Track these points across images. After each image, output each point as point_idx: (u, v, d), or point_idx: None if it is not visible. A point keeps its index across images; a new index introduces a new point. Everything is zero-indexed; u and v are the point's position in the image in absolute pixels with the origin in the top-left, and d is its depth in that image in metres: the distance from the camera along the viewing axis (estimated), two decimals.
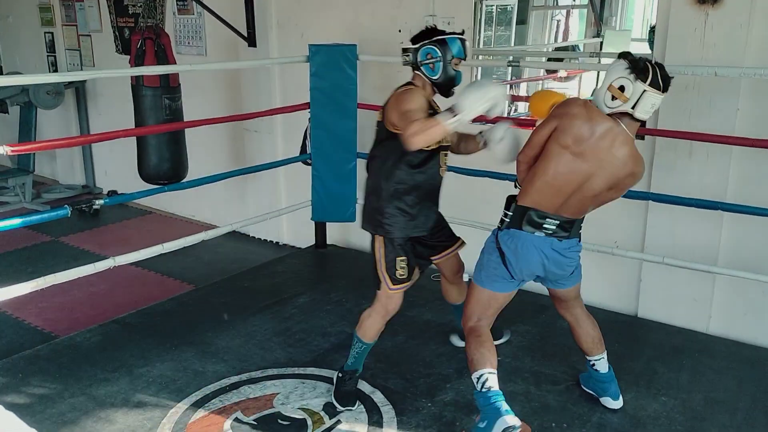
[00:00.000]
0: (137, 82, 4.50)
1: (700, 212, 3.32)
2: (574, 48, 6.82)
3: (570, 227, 2.47)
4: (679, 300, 3.59)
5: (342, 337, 3.47)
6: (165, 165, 4.75)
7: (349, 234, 4.86)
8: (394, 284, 2.77)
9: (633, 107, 2.30)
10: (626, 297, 3.78)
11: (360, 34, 4.35)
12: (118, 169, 6.36)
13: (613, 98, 2.32)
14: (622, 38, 6.46)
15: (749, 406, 2.87)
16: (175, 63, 4.58)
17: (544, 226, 2.44)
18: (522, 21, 5.99)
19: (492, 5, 5.23)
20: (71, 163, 7.08)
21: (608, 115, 2.36)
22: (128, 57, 4.76)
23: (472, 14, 4.11)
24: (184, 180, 4.72)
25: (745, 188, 3.29)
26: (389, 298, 2.80)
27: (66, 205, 3.24)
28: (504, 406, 2.41)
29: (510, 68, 4.87)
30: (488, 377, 2.47)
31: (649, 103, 2.30)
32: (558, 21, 6.87)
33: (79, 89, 6.60)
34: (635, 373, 3.13)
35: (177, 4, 5.57)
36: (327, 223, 4.71)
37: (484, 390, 2.46)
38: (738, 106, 3.25)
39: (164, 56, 4.48)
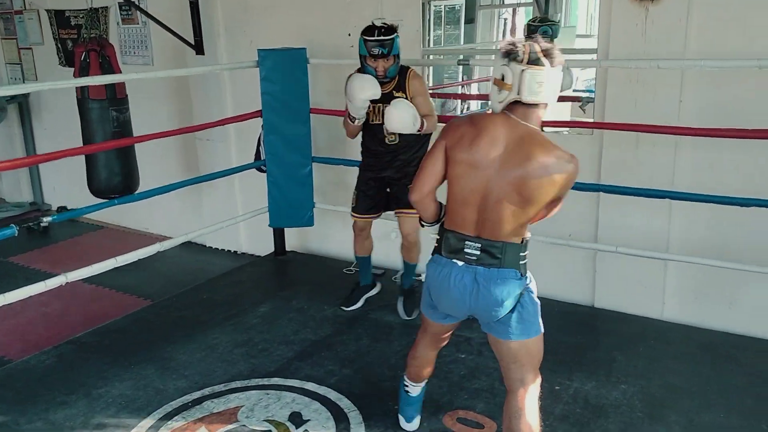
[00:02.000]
0: (83, 95, 4.39)
1: (650, 201, 3.41)
2: None
3: (498, 252, 2.09)
4: (633, 288, 3.68)
5: (305, 344, 3.45)
6: (115, 178, 4.64)
7: (308, 240, 4.84)
8: None
9: (519, 92, 2.03)
10: (582, 288, 3.85)
11: (310, 38, 4.33)
12: (66, 185, 6.20)
13: (500, 91, 2.07)
14: (568, 34, 6.57)
15: (705, 389, 2.95)
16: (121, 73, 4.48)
17: (465, 251, 2.11)
18: (470, 20, 6.05)
19: (440, 5, 5.27)
20: (17, 181, 6.86)
21: (503, 112, 2.10)
22: (72, 69, 4.63)
23: (421, 15, 4.12)
24: (136, 192, 4.62)
25: (691, 176, 3.39)
26: None
27: (12, 225, 3.13)
28: (407, 412, 2.68)
29: (461, 67, 4.91)
30: (409, 386, 2.64)
31: (533, 81, 2.00)
32: (505, 19, 6.96)
33: (23, 104, 6.41)
34: (595, 363, 3.19)
35: (121, 14, 5.46)
36: (285, 230, 4.68)
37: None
38: (680, 97, 3.35)
39: (110, 67, 4.37)
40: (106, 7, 5.44)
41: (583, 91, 6.19)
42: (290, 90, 4.08)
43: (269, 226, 4.45)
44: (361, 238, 3.72)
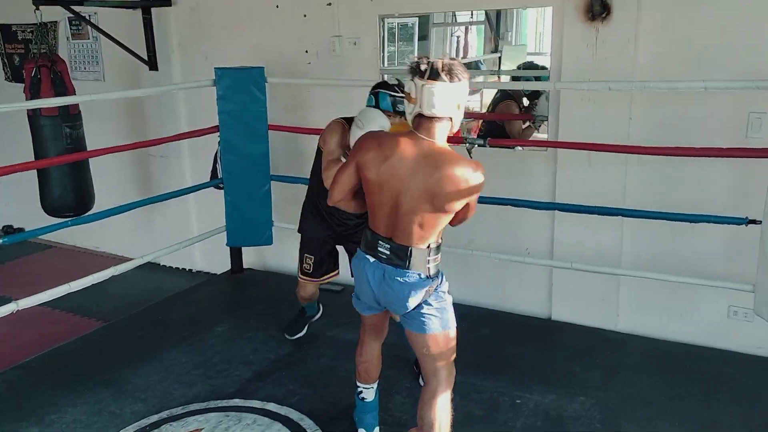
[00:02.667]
0: (34, 112, 4.27)
1: (603, 218, 3.50)
2: (477, 64, 7.04)
3: (405, 256, 2.24)
4: (588, 301, 3.77)
5: (265, 364, 3.42)
6: (69, 196, 4.51)
7: (266, 257, 4.80)
8: None
9: (420, 106, 2.13)
10: (540, 301, 3.93)
11: (267, 56, 4.32)
12: (15, 203, 5.99)
13: (408, 104, 2.19)
14: (519, 53, 6.72)
15: (661, 399, 3.03)
16: (74, 90, 4.38)
17: (378, 249, 2.29)
18: (423, 37, 6.13)
19: (393, 23, 5.34)
20: None
21: (410, 131, 2.23)
22: (20, 85, 4.50)
23: (377, 33, 4.17)
24: (91, 210, 4.50)
25: (641, 193, 3.49)
26: None
27: None
28: (366, 421, 2.72)
29: None
30: (362, 390, 2.71)
31: (429, 95, 2.10)
32: (458, 37, 7.08)
33: None
34: (553, 375, 3.25)
35: (71, 29, 5.35)
36: (243, 248, 4.63)
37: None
38: (630, 115, 3.46)
39: (62, 84, 4.27)
40: (55, 22, 5.32)
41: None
42: (248, 108, 4.06)
43: (227, 245, 4.39)
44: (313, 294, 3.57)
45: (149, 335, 3.77)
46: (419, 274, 2.27)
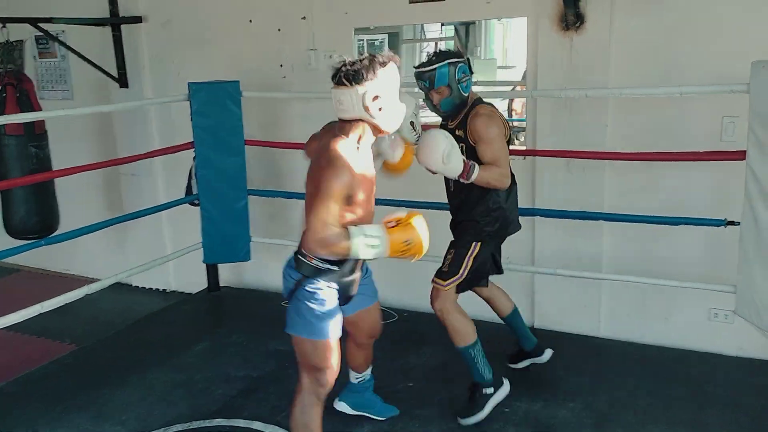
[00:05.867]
0: None
1: (583, 223, 3.53)
2: None
3: (297, 246, 2.31)
4: (571, 308, 3.78)
5: (248, 381, 3.34)
6: (34, 218, 4.38)
7: (244, 274, 4.73)
8: None
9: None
10: (522, 310, 3.89)
11: (241, 71, 4.28)
12: None
13: None
14: (489, 66, 6.82)
15: (648, 403, 3.04)
16: (41, 109, 4.27)
17: None
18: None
19: (362, 39, 5.36)
20: None
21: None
22: None
23: (353, 46, 4.17)
24: (56, 232, 4.38)
25: (620, 197, 3.53)
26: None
27: None
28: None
29: None
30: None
31: (335, 99, 2.17)
32: (428, 53, 7.17)
33: None
34: (541, 383, 3.23)
35: (38, 48, 5.24)
36: (219, 265, 4.56)
37: None
38: (607, 122, 3.50)
39: (28, 102, 4.16)
40: (21, 40, 5.19)
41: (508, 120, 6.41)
42: (223, 123, 4.01)
43: (204, 262, 4.31)
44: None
45: (126, 356, 3.66)
46: (294, 270, 2.29)
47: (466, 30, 6.88)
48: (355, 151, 2.18)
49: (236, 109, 4.02)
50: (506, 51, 8.03)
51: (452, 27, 6.72)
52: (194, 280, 4.71)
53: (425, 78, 2.70)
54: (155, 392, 3.24)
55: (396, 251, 2.16)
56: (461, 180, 2.68)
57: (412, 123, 2.67)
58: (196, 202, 4.15)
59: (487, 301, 3.23)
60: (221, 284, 4.65)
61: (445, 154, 2.60)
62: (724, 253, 3.17)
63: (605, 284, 3.68)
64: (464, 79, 2.70)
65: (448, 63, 2.67)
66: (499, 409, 2.97)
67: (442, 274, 2.86)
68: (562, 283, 3.71)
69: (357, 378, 2.90)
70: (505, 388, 2.94)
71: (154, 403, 3.15)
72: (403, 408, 3.05)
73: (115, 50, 4.73)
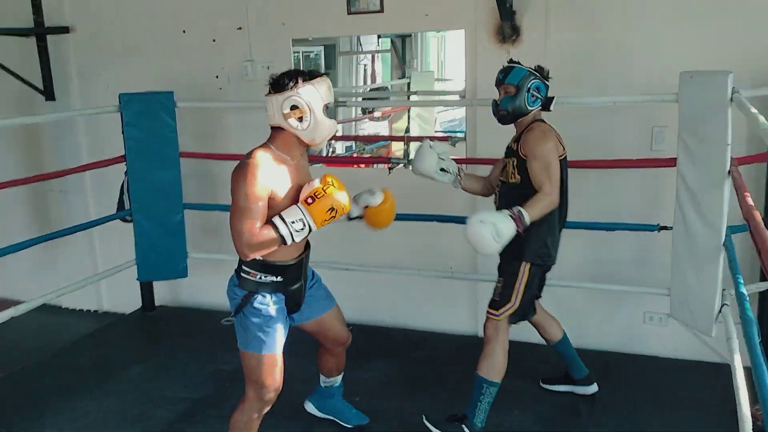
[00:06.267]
0: None
1: None
2: (386, 90, 7.16)
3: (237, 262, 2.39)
4: None
5: (189, 404, 3.23)
6: None
7: (180, 292, 4.58)
8: None
9: None
10: (466, 319, 3.94)
11: (174, 83, 4.16)
12: None
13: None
14: (426, 78, 6.89)
15: (593, 407, 3.10)
16: None
17: None
18: (330, 66, 6.17)
19: (297, 51, 5.32)
20: None
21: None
22: None
23: (291, 57, 4.12)
24: None
25: None
26: None
27: None
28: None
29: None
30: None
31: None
32: (365, 65, 7.18)
33: None
34: None
35: None
36: (154, 283, 4.40)
37: None
38: None
39: None
40: None
41: (445, 132, 6.49)
42: (157, 135, 3.88)
43: (138, 280, 4.15)
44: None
45: (56, 383, 3.47)
46: (236, 279, 2.36)
47: (402, 42, 6.94)
48: (271, 158, 2.23)
49: (170, 121, 3.90)
50: (442, 64, 8.15)
51: (389, 39, 6.77)
52: (128, 300, 4.54)
53: (503, 69, 2.81)
54: (89, 420, 3.09)
55: (323, 221, 2.22)
56: (520, 233, 2.58)
57: (442, 169, 2.95)
58: (129, 217, 4.00)
59: (536, 326, 3.13)
60: (157, 303, 4.50)
61: (495, 236, 2.53)
62: (658, 257, 3.27)
63: (545, 290, 3.73)
64: (534, 93, 2.74)
65: (529, 70, 2.76)
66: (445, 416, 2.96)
67: (494, 304, 2.83)
68: None
69: (325, 383, 2.90)
70: None
71: (89, 431, 2.99)
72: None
73: (40, 61, 4.53)
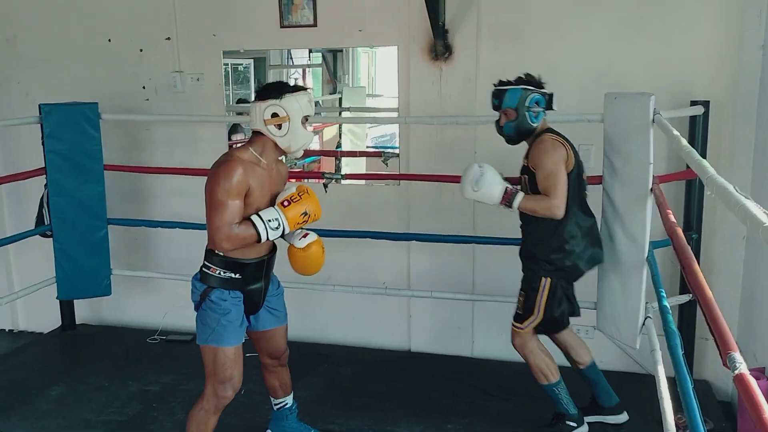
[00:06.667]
0: None
1: (456, 246, 3.63)
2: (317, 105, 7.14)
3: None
4: (445, 330, 3.85)
5: (112, 426, 3.09)
6: None
7: (102, 310, 4.40)
8: None
9: None
10: (399, 334, 3.95)
11: (99, 93, 4.02)
12: None
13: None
14: (358, 94, 6.91)
15: (525, 418, 3.14)
16: None
17: None
18: (260, 80, 6.11)
19: (227, 63, 5.25)
20: None
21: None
22: None
23: (221, 69, 4.05)
24: None
25: (490, 222, 3.66)
26: None
27: None
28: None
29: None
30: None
31: None
32: (296, 79, 7.15)
33: None
34: (419, 406, 3.26)
35: None
36: (75, 301, 4.21)
37: None
38: (475, 149, 3.64)
39: None
40: None
41: (376, 147, 6.52)
42: (80, 147, 3.73)
43: (58, 299, 3.95)
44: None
45: None
46: (198, 274, 2.46)
47: (333, 57, 6.95)
48: (249, 160, 2.36)
49: (94, 133, 3.76)
50: (372, 80, 8.21)
51: (320, 54, 6.76)
52: (46, 318, 4.33)
53: (495, 96, 2.75)
54: None
55: (295, 223, 2.39)
56: (504, 206, 2.68)
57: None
58: (49, 233, 3.81)
59: (563, 348, 3.02)
60: (77, 321, 4.32)
61: (473, 181, 2.66)
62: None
63: (477, 305, 3.80)
64: (534, 109, 2.68)
65: (522, 88, 2.69)
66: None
67: (518, 317, 2.84)
68: (436, 307, 3.79)
69: (275, 404, 2.87)
70: (584, 428, 2.92)
71: None
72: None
73: None
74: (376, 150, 4.79)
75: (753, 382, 1.11)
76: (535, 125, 2.72)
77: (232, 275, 2.42)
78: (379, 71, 8.21)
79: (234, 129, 4.79)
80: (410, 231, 3.74)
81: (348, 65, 7.39)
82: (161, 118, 4.08)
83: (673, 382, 2.27)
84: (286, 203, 2.39)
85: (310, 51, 6.60)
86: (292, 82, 2.48)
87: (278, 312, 2.66)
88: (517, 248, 3.50)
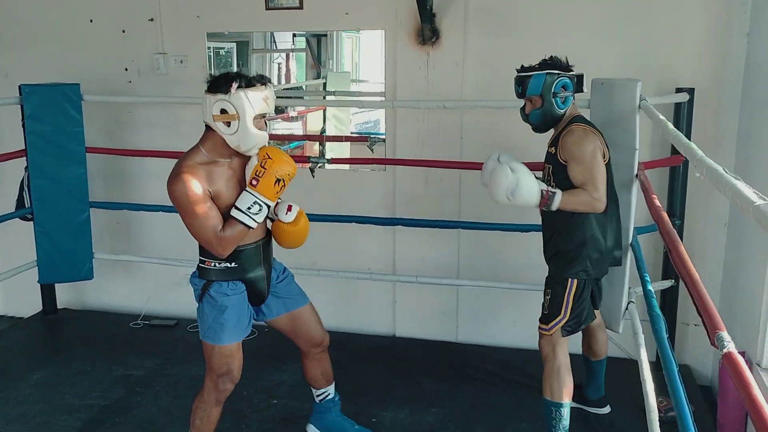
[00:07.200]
0: None
1: (441, 231, 3.63)
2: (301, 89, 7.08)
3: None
4: (430, 315, 3.86)
5: (95, 411, 3.07)
6: None
7: (85, 294, 4.35)
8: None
9: None
10: (384, 320, 3.96)
11: (80, 74, 3.94)
12: None
13: None
14: (342, 79, 6.86)
15: (507, 403, 3.16)
16: None
17: None
18: (242, 64, 6.04)
19: (209, 47, 5.18)
20: None
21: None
22: None
23: (205, 51, 4.00)
24: None
25: (475, 207, 3.67)
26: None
27: None
28: None
29: None
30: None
31: None
32: (279, 64, 7.07)
33: None
34: (404, 390, 3.27)
35: None
36: (57, 285, 4.16)
37: None
38: (461, 134, 3.63)
39: None
40: None
41: (360, 133, 6.49)
42: (61, 129, 3.68)
43: (39, 282, 3.90)
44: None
45: None
46: (196, 271, 2.40)
47: (318, 42, 6.88)
48: (200, 162, 2.23)
49: (76, 114, 3.70)
50: (356, 65, 8.17)
51: (304, 39, 6.70)
52: (27, 302, 4.27)
53: (518, 82, 2.57)
54: None
55: (274, 194, 2.23)
56: (543, 209, 2.52)
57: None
58: (30, 216, 3.76)
59: (586, 333, 2.92)
60: (59, 306, 4.26)
61: (508, 192, 2.45)
62: None
63: (462, 291, 3.81)
64: (562, 94, 2.51)
65: (547, 73, 2.51)
66: (365, 420, 2.96)
67: (544, 318, 2.65)
68: (421, 292, 3.79)
69: (317, 395, 2.79)
70: None
71: None
72: (269, 426, 2.96)
73: None
74: (362, 135, 4.78)
75: (741, 360, 1.12)
76: (563, 111, 2.55)
77: (228, 264, 2.33)
78: (363, 57, 8.17)
79: None
80: (396, 216, 3.74)
81: (332, 50, 7.34)
82: (144, 99, 4.02)
83: (654, 367, 2.32)
84: (254, 182, 2.22)
85: (294, 35, 6.53)
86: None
87: (291, 297, 2.56)
88: (501, 234, 3.53)
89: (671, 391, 1.77)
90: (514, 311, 3.79)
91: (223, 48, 5.83)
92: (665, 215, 2.18)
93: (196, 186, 2.16)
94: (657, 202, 2.34)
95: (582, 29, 3.42)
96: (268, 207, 2.25)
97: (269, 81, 2.26)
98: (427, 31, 3.53)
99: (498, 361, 3.61)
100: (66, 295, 4.33)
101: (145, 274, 4.20)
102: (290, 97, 6.53)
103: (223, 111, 2.18)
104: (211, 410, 2.45)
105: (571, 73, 2.55)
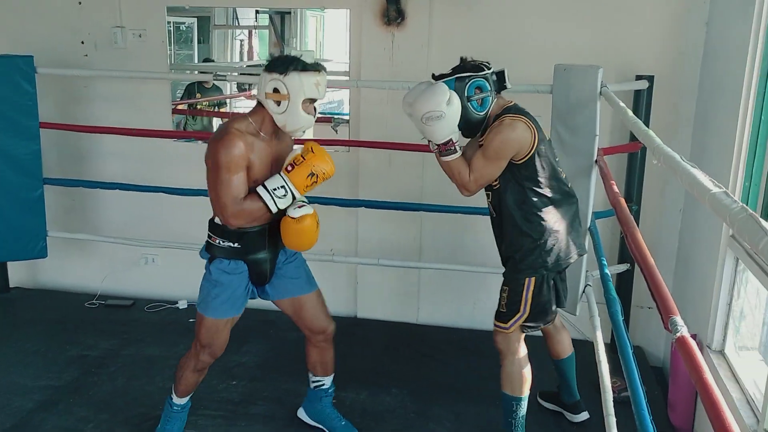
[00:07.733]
0: None
1: (403, 215, 3.64)
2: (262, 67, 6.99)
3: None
4: (391, 297, 3.89)
5: (49, 392, 3.01)
6: None
7: (39, 273, 4.25)
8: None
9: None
10: (346, 301, 3.96)
11: (33, 46, 3.81)
12: None
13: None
14: (307, 58, 6.76)
15: (466, 383, 3.21)
16: None
17: None
18: (203, 40, 5.92)
19: (169, 21, 5.07)
20: None
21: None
22: None
23: (165, 26, 3.90)
24: None
25: (437, 190, 3.68)
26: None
27: None
28: None
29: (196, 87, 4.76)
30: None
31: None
32: (241, 41, 6.95)
33: None
34: (365, 371, 3.29)
35: None
36: (9, 264, 4.05)
37: None
38: None
39: None
40: None
41: (323, 114, 6.44)
42: (14, 102, 3.55)
43: None
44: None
45: None
46: (204, 245, 2.46)
47: (281, 19, 6.78)
48: (247, 131, 2.28)
49: (30, 88, 3.58)
50: (320, 44, 8.08)
51: (267, 16, 6.59)
52: None
53: None
54: None
55: (305, 186, 2.28)
56: (434, 151, 2.44)
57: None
58: None
59: (546, 335, 2.82)
60: (11, 285, 4.16)
61: (431, 113, 2.30)
62: None
63: (423, 273, 3.83)
64: (477, 96, 2.38)
65: (456, 78, 2.38)
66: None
67: (501, 316, 2.54)
68: (382, 274, 3.80)
69: (312, 382, 2.77)
70: None
71: None
72: (228, 407, 2.95)
73: None
74: (326, 116, 4.74)
75: (693, 344, 1.15)
76: (483, 113, 2.40)
77: (231, 244, 2.37)
78: (327, 36, 8.08)
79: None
80: (359, 198, 3.73)
81: (296, 28, 7.25)
82: (101, 73, 3.90)
83: (608, 348, 2.37)
84: (290, 167, 2.27)
85: (257, 12, 6.42)
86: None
87: (297, 279, 2.55)
88: (463, 217, 3.56)
89: (625, 372, 1.81)
90: (474, 293, 3.83)
91: (184, 23, 5.71)
92: (623, 201, 2.22)
93: (239, 148, 2.22)
94: (615, 188, 2.38)
95: (546, 15, 3.45)
96: (293, 197, 2.28)
97: (324, 68, 2.31)
98: (393, 11, 3.51)
99: (458, 343, 3.65)
100: (19, 273, 4.23)
101: (101, 254, 4.12)
102: (252, 74, 6.43)
103: (276, 90, 2.25)
104: (189, 374, 2.53)
105: (484, 72, 2.42)
